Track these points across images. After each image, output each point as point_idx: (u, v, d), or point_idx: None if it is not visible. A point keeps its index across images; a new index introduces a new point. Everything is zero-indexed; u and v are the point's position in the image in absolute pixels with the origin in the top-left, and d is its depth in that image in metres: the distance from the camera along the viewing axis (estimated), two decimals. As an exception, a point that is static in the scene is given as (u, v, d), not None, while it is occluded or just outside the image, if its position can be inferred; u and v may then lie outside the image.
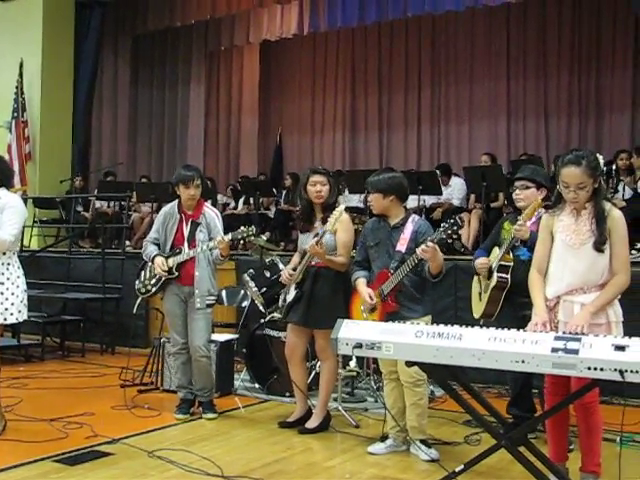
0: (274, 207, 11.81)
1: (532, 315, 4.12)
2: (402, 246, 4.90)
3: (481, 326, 3.73)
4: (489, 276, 5.17)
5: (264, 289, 6.63)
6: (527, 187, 5.07)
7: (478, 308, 5.33)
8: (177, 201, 6.01)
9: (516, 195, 5.12)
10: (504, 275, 4.97)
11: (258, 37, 13.52)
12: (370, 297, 4.96)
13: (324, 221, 5.43)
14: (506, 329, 3.59)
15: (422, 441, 4.99)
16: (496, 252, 5.18)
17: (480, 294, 5.34)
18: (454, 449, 5.18)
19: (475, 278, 5.48)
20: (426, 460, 4.86)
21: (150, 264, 6.02)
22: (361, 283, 5.09)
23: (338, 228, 5.32)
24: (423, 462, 4.81)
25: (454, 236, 4.63)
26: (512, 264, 4.96)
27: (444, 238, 4.56)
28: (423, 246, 4.59)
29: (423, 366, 3.95)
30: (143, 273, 6.13)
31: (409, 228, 4.95)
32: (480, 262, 5.22)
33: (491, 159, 10.22)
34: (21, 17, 12.31)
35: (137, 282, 6.19)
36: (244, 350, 7.05)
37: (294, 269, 5.57)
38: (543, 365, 3.42)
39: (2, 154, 7.79)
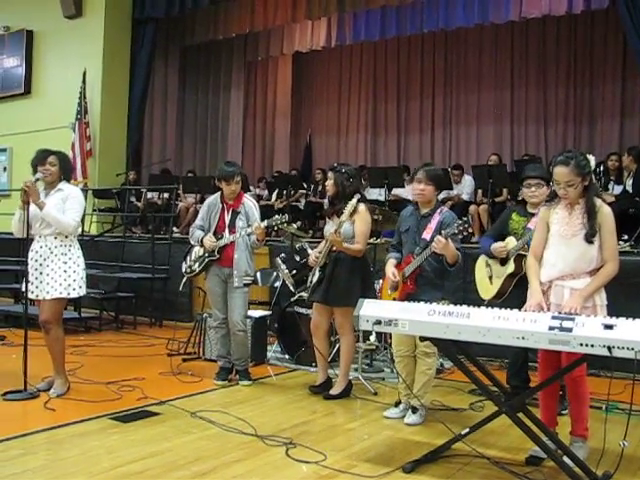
0: (304, 199, 11.80)
1: (528, 296, 4.12)
2: (427, 234, 4.85)
3: (487, 306, 3.71)
4: (503, 262, 5.14)
5: (294, 271, 6.66)
6: (543, 185, 5.01)
7: (488, 291, 5.28)
8: (220, 192, 6.03)
9: (532, 192, 5.05)
10: (521, 264, 4.91)
11: (291, 49, 13.53)
12: (393, 274, 4.96)
13: (338, 213, 5.46)
14: (511, 309, 3.60)
15: (412, 407, 4.98)
16: (513, 241, 5.12)
17: (491, 278, 5.29)
18: (460, 414, 5.19)
19: (481, 262, 5.43)
20: (406, 423, 4.88)
21: (196, 248, 6.06)
22: (390, 263, 5.08)
23: (356, 218, 5.35)
24: (434, 425, 4.80)
25: (465, 233, 4.59)
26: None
27: (456, 233, 4.54)
28: (436, 239, 4.58)
29: (434, 341, 3.97)
30: (189, 256, 6.17)
31: (436, 219, 4.90)
32: (499, 245, 5.15)
33: (498, 159, 10.15)
34: (85, 32, 12.41)
35: (184, 264, 6.23)
36: (276, 325, 7.10)
37: (319, 253, 5.60)
38: (541, 341, 3.43)
39: (66, 151, 7.88)
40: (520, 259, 4.92)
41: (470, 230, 4.62)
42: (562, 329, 3.37)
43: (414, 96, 13.67)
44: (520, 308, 3.84)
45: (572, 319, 3.40)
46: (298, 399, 5.59)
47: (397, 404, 5.19)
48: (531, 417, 3.90)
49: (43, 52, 13.18)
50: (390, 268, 5.04)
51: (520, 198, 5.50)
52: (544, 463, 4.01)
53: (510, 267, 5.05)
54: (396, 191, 10.19)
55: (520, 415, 3.86)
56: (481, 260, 5.45)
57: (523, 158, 10.36)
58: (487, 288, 5.34)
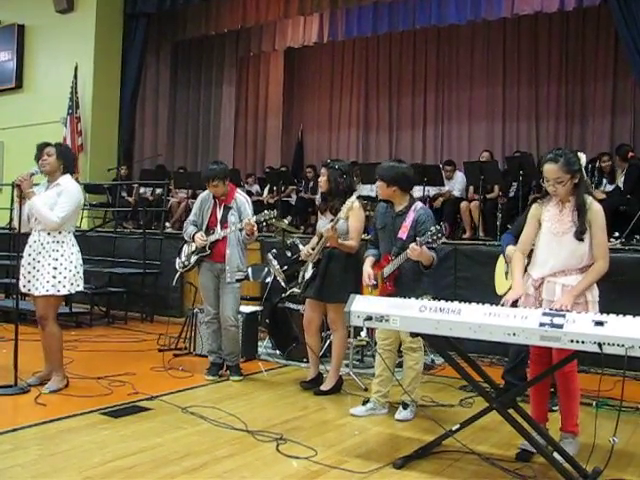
0: (295, 195, 11.79)
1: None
2: (403, 233, 4.84)
3: (500, 303, 3.73)
4: None
5: (285, 267, 6.68)
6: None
7: (504, 286, 5.27)
8: None
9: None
10: None
11: (283, 44, 13.50)
12: (369, 277, 4.95)
13: (331, 209, 5.45)
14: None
15: (403, 403, 4.99)
16: None
17: (507, 273, 5.29)
18: (450, 410, 5.20)
19: (501, 257, 5.44)
20: (397, 419, 4.90)
21: (189, 243, 6.05)
22: (367, 261, 5.06)
23: (350, 215, 5.32)
24: (424, 421, 4.81)
25: (438, 242, 4.55)
26: None
27: (429, 242, 4.53)
28: (411, 247, 4.57)
29: (426, 337, 3.96)
30: (183, 250, 6.16)
31: (410, 216, 4.87)
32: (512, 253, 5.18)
33: (490, 155, 10.16)
34: (77, 27, 12.38)
35: (177, 259, 6.21)
36: (267, 321, 7.09)
37: (312, 248, 5.59)
38: (532, 338, 3.43)
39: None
40: None
41: (443, 240, 4.59)
42: (553, 325, 3.37)
43: (406, 92, 13.65)
44: (535, 306, 3.87)
45: (563, 315, 3.40)
46: (289, 395, 5.58)
47: (365, 402, 5.15)
48: (521, 413, 3.90)
49: (35, 46, 13.13)
50: (366, 268, 5.02)
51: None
52: (534, 459, 4.02)
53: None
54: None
55: (510, 411, 3.86)
56: (502, 256, 5.46)
57: (514, 155, 10.37)
58: (502, 283, 5.37)
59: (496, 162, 9.81)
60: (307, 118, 15.02)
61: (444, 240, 4.74)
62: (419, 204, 5.01)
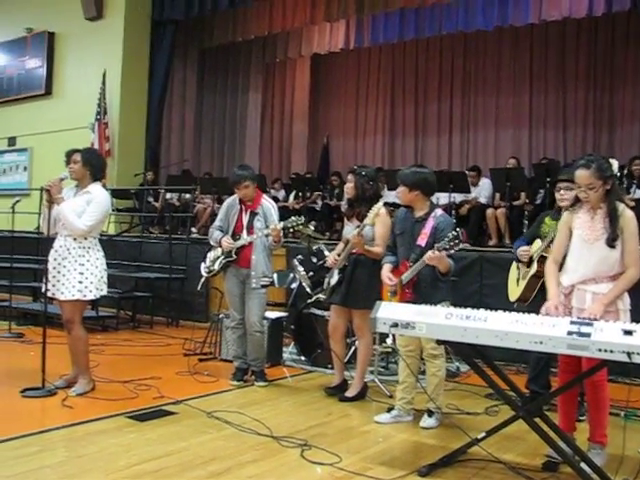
0: (320, 201, 11.79)
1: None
2: (422, 240, 4.79)
3: (513, 310, 3.69)
4: (529, 264, 5.11)
5: (311, 273, 6.68)
6: (572, 189, 4.96)
7: (515, 292, 5.27)
8: None
9: (561, 196, 4.94)
10: (543, 266, 4.85)
11: (309, 51, 13.57)
12: (389, 279, 4.93)
13: (358, 215, 5.45)
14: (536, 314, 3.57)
15: (428, 410, 4.97)
16: (538, 244, 5.08)
17: (518, 280, 5.28)
18: (475, 418, 5.16)
19: (514, 264, 5.41)
20: (422, 427, 4.87)
21: (215, 248, 6.08)
22: (385, 268, 5.03)
23: (377, 221, 5.31)
24: (449, 429, 4.79)
25: (455, 248, 4.51)
26: None
27: (447, 248, 4.49)
28: (428, 254, 4.54)
29: (452, 344, 3.94)
30: (209, 256, 6.18)
31: (430, 223, 4.83)
32: (523, 249, 5.16)
33: (517, 162, 10.09)
34: (105, 34, 12.53)
35: (202, 264, 6.23)
36: (292, 326, 7.08)
37: (338, 255, 5.59)
38: (559, 346, 3.41)
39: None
40: (544, 260, 4.86)
41: (461, 245, 4.55)
42: (580, 334, 3.34)
43: (432, 98, 13.63)
44: (564, 314, 3.83)
45: (590, 324, 3.38)
46: (314, 401, 5.58)
47: (389, 410, 5.13)
48: (548, 422, 3.87)
49: (64, 53, 13.31)
50: (385, 272, 5.00)
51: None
52: (561, 469, 3.98)
53: (533, 268, 5.03)
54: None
55: (537, 420, 3.83)
56: (514, 263, 5.44)
57: (541, 162, 10.30)
58: (514, 290, 5.35)
59: (523, 169, 9.74)
60: (333, 124, 15.04)
61: (468, 247, 4.71)
62: (439, 211, 4.98)
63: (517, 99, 12.60)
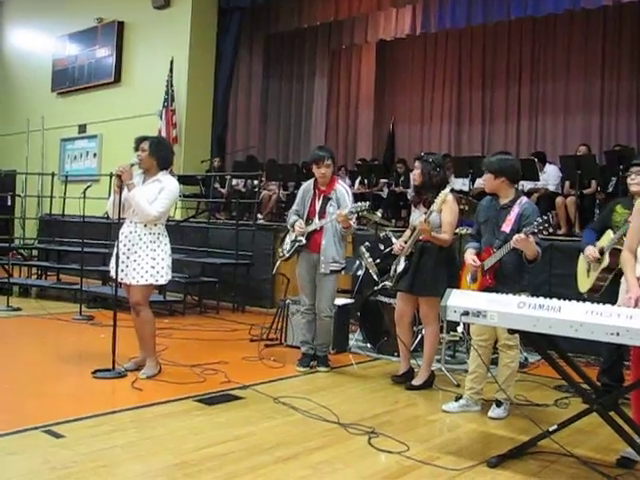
0: (386, 188, 11.71)
1: (621, 292, 3.97)
2: (507, 227, 4.71)
3: (585, 300, 3.58)
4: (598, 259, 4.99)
5: (378, 260, 6.64)
6: None
7: (585, 284, 5.16)
8: (314, 178, 6.05)
9: (631, 180, 4.83)
10: (616, 259, 4.68)
11: (375, 37, 13.41)
12: (474, 260, 4.84)
13: (425, 202, 5.39)
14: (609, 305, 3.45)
15: (497, 400, 4.89)
16: (609, 234, 4.96)
17: (588, 271, 5.15)
18: (545, 410, 5.06)
19: (582, 255, 5.28)
20: (490, 417, 4.79)
21: (290, 232, 6.11)
22: (469, 252, 4.96)
23: (443, 208, 5.24)
24: (518, 420, 4.71)
25: (544, 232, 4.41)
26: None
27: (535, 232, 4.39)
28: (516, 236, 4.45)
29: (524, 334, 3.85)
30: (285, 240, 6.21)
31: (515, 210, 4.74)
32: (590, 251, 5.07)
33: (587, 149, 9.81)
34: (173, 22, 12.72)
35: (279, 248, 6.27)
36: (358, 313, 7.05)
37: (405, 242, 5.54)
38: (636, 338, 3.28)
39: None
40: (616, 253, 4.71)
41: (550, 230, 4.44)
42: (660, 326, 3.22)
43: (499, 84, 13.37)
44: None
45: (671, 316, 3.25)
46: (380, 388, 5.56)
47: (457, 398, 5.07)
48: (624, 417, 3.75)
49: (133, 42, 13.57)
50: (469, 255, 4.93)
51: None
52: (637, 466, 3.86)
53: (605, 261, 4.90)
54: (480, 181, 9.98)
55: (612, 414, 3.72)
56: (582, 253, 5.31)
57: (614, 149, 9.99)
58: (584, 281, 5.22)
59: (594, 156, 9.46)
60: (399, 110, 14.90)
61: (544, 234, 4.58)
62: (524, 198, 4.87)
63: (588, 84, 12.23)
